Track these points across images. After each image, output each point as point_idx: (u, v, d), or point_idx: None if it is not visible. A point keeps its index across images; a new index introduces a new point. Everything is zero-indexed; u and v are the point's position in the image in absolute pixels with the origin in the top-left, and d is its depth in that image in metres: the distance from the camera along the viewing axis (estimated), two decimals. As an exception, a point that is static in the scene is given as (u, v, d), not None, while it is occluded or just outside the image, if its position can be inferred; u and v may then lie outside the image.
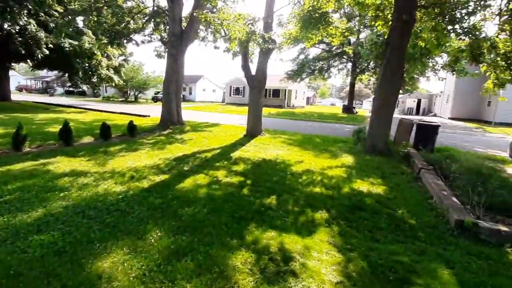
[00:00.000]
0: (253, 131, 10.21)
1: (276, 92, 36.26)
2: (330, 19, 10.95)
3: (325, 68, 30.73)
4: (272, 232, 3.19)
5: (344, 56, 28.82)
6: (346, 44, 24.67)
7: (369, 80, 28.99)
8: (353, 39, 27.47)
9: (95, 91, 31.49)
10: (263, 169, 5.90)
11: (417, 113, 36.91)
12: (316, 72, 30.65)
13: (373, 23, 10.93)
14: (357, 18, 24.82)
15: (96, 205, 3.71)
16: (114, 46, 18.87)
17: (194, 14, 11.27)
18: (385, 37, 9.23)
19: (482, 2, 8.39)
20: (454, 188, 4.84)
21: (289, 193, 4.52)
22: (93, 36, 19.36)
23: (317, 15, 10.58)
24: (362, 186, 5.10)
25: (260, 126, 10.52)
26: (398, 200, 4.48)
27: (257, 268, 2.52)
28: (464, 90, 25.22)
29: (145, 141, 8.40)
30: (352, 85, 30.16)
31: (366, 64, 25.54)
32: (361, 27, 25.46)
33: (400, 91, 31.37)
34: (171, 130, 10.76)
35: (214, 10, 12.67)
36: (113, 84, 24.42)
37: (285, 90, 35.24)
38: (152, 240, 2.90)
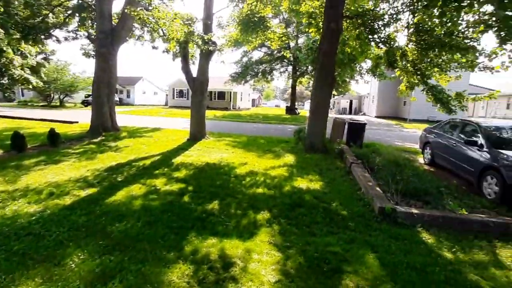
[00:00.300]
0: (197, 134, 9.92)
1: (221, 95, 36.08)
2: (268, 24, 11.35)
3: (268, 71, 31.82)
4: (213, 239, 3.10)
5: (285, 60, 30.27)
6: (284, 48, 25.94)
7: (309, 82, 31.02)
8: (292, 43, 29.08)
9: (6, 94, 26.66)
10: (206, 173, 5.75)
11: (350, 112, 40.95)
12: (259, 74, 31.51)
13: (307, 29, 11.72)
14: (295, 24, 26.37)
15: (1, 230, 3.10)
16: (30, 43, 16.27)
17: (126, 10, 10.44)
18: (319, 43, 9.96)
19: (394, 16, 9.71)
20: (378, 179, 5.45)
21: (232, 196, 4.49)
22: (1, 30, 16.37)
23: (255, 19, 10.86)
24: (302, 183, 5.37)
25: (204, 129, 10.29)
26: (332, 194, 4.84)
27: (195, 280, 2.41)
28: (386, 91, 28.88)
29: (71, 151, 7.41)
30: (294, 87, 31.84)
31: (305, 68, 27.27)
32: (299, 33, 27.10)
33: (335, 93, 34.00)
34: (103, 137, 9.74)
35: (150, 7, 11.95)
36: (30, 87, 21.03)
37: (230, 92, 35.33)
38: (73, 264, 2.53)
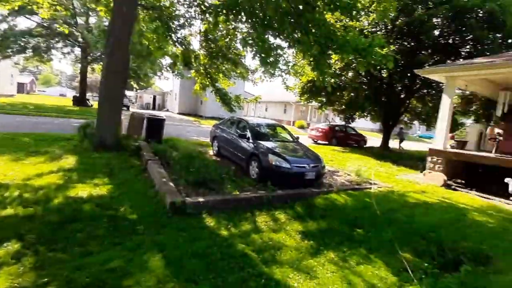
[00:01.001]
0: None
1: (-51, 69, 23.04)
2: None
3: (44, 48, 24.13)
4: None
5: (70, 39, 24.19)
6: (67, 24, 20.64)
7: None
8: (81, 21, 23.77)
9: None
10: None
11: (154, 108, 40.32)
12: (29, 50, 23.22)
13: (94, 5, 9.90)
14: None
15: None
16: None
17: None
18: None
19: (188, 20, 10.37)
20: (173, 173, 5.52)
21: None
22: None
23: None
24: (82, 190, 4.36)
25: None
26: (123, 197, 4.31)
27: None
28: (186, 90, 30.94)
29: None
30: (83, 73, 26.32)
31: (99, 53, 23.21)
32: (90, 10, 22.54)
33: (136, 87, 32.00)
34: None
35: None
36: None
37: (-29, 68, 23.40)
38: None
